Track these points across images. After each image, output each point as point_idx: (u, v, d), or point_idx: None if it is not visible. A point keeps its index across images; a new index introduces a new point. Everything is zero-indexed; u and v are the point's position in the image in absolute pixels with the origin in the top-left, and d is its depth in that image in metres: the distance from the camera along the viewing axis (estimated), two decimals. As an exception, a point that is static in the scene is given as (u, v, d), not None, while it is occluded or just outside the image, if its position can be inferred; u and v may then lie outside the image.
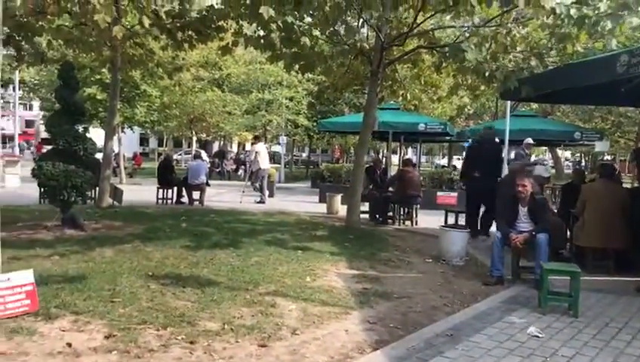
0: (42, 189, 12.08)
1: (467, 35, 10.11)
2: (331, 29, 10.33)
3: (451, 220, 10.85)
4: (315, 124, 26.99)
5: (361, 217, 11.62)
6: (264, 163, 16.20)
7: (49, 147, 9.78)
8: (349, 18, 10.59)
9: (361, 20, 10.54)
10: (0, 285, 4.83)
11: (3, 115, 41.08)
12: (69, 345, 4.28)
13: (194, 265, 7.08)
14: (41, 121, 41.69)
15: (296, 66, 10.62)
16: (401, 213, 12.21)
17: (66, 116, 9.26)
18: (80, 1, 10.20)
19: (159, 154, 33.71)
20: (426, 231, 10.99)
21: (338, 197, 13.77)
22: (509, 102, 16.60)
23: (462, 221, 10.56)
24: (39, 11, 9.79)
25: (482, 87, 11.11)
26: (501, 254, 6.97)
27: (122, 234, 9.19)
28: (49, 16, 10.53)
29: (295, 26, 8.75)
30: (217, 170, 28.77)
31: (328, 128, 20.72)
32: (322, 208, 14.19)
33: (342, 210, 13.11)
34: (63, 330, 4.60)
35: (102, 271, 6.48)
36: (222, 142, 43.17)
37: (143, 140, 59.75)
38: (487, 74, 9.10)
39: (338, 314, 5.34)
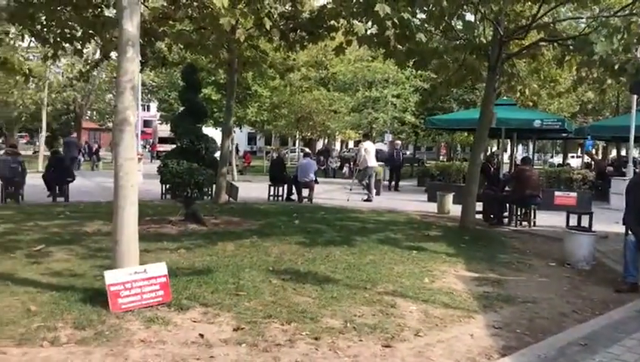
0: (166, 186, 12.84)
1: (594, 25, 9.48)
2: (445, 23, 10.08)
3: (573, 221, 10.23)
4: (422, 121, 26.57)
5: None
6: (372, 161, 16.16)
7: (167, 146, 10.34)
8: (466, 12, 10.27)
9: (479, 14, 10.19)
10: (137, 276, 5.15)
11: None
12: (202, 335, 4.48)
13: (311, 261, 7.19)
14: (159, 121, 44.30)
15: (410, 63, 10.47)
16: (518, 213, 11.69)
17: (190, 116, 9.75)
18: (200, 6, 10.71)
19: (267, 153, 34.67)
20: (546, 232, 10.46)
21: (450, 197, 13.44)
22: (635, 96, 15.43)
23: (585, 223, 9.93)
24: (162, 17, 10.33)
25: (609, 81, 10.37)
26: (635, 258, 6.48)
27: (240, 230, 9.53)
28: (170, 22, 11.13)
29: (411, 23, 8.62)
30: (322, 167, 29.12)
31: (437, 125, 20.30)
32: (431, 207, 13.94)
33: (453, 209, 12.79)
34: (195, 321, 4.82)
35: (225, 265, 6.74)
36: (325, 141, 43.64)
37: (251, 139, 61.83)
38: (616, 67, 8.49)
39: (461, 318, 5.19)
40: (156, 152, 42.13)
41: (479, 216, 11.91)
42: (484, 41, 10.33)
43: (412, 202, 15.88)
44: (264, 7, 10.67)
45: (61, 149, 21.57)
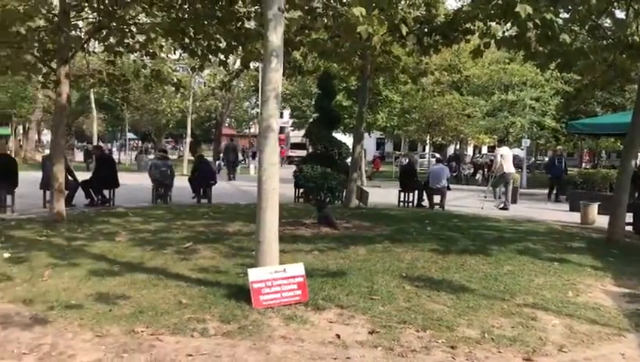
0: (299, 190, 13.29)
1: None
2: (591, 22, 9.45)
3: None
4: (563, 125, 25.06)
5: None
6: (509, 167, 15.53)
7: (298, 151, 10.68)
8: (615, 9, 9.56)
9: (631, 10, 9.44)
10: (277, 275, 5.39)
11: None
12: (338, 336, 4.59)
13: (445, 269, 7.07)
14: (291, 128, 45.85)
15: (552, 65, 9.95)
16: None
17: (324, 123, 10.02)
18: (335, 15, 10.98)
19: (396, 158, 34.58)
20: None
21: (594, 206, 12.55)
22: None
23: None
24: (301, 27, 10.70)
25: None
26: None
27: (372, 234, 9.61)
28: (306, 31, 11.51)
29: (554, 23, 8.19)
30: (454, 173, 28.48)
31: (580, 130, 19.03)
32: (573, 217, 13.10)
33: (599, 220, 11.93)
34: (331, 322, 4.94)
35: (358, 269, 6.84)
36: (457, 146, 42.61)
37: (380, 144, 61.98)
38: None
39: (610, 335, 4.84)
40: (287, 157, 43.69)
41: (629, 228, 11.00)
42: (638, 40, 9.53)
43: (552, 211, 15.05)
44: (398, 12, 10.72)
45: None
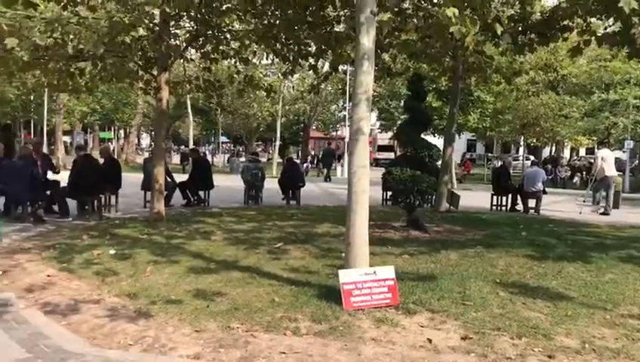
0: (387, 193, 13.24)
1: None
2: None
3: None
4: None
5: None
6: (610, 170, 14.69)
7: (385, 154, 10.63)
8: None
9: None
10: (367, 277, 5.40)
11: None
12: (429, 340, 4.53)
13: (541, 276, 6.80)
14: (378, 130, 45.74)
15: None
16: None
17: (414, 125, 9.94)
18: (426, 16, 10.85)
19: (488, 160, 33.65)
20: None
21: None
22: None
23: None
24: (393, 29, 10.66)
25: None
26: None
27: (463, 239, 9.41)
28: (395, 33, 11.45)
29: (666, 16, 7.69)
30: (550, 176, 27.30)
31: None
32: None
33: None
34: (422, 326, 4.89)
35: (450, 274, 6.71)
36: (553, 148, 40.80)
37: (470, 146, 60.45)
38: None
39: None
40: (374, 160, 43.60)
41: None
42: None
43: (659, 217, 14.08)
44: (491, 11, 10.42)
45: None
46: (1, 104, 33.04)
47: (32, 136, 42.64)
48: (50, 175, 11.96)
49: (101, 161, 12.71)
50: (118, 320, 4.95)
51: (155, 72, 10.93)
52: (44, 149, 21.24)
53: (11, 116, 39.77)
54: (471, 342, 4.50)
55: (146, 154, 36.12)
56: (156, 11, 10.35)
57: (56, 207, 11.25)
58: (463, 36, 5.76)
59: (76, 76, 11.12)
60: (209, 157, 34.34)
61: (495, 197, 14.75)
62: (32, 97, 32.83)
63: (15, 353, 4.20)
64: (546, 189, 15.35)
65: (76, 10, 9.39)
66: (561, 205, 16.63)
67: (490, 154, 37.88)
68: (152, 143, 41.76)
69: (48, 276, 6.46)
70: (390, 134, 41.88)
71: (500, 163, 20.76)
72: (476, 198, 16.84)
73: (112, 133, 52.76)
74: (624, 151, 25.81)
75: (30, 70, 11.50)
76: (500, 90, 23.53)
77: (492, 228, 10.69)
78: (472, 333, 4.68)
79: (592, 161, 18.50)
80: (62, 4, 9.21)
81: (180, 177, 15.09)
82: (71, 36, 9.30)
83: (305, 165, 35.71)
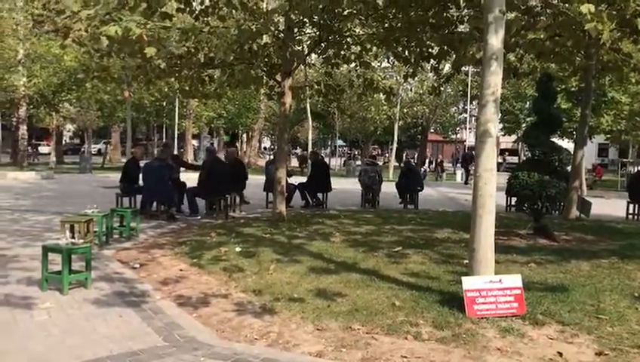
0: (511, 198, 12.70)
1: None
2: None
3: None
4: None
5: None
6: None
7: (507, 157, 10.15)
8: None
9: None
10: (492, 285, 5.22)
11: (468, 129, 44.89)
12: (560, 354, 4.29)
13: (688, 292, 6.19)
14: (501, 133, 44.05)
15: None
16: None
17: (543, 127, 9.45)
18: (555, 13, 10.30)
19: (622, 166, 31.20)
20: None
21: None
22: None
23: None
24: (522, 28, 10.24)
25: None
26: None
27: (596, 249, 8.80)
28: (523, 32, 10.96)
29: None
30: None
31: None
32: None
33: None
34: (551, 338, 4.64)
35: (581, 285, 6.31)
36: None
37: (602, 150, 56.44)
38: None
39: None
40: (497, 163, 42.03)
41: None
42: None
43: None
44: (630, 5, 9.68)
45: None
46: (139, 110, 35.85)
47: (163, 139, 45.87)
48: (183, 176, 12.82)
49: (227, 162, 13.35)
50: (244, 315, 5.17)
51: (279, 78, 11.32)
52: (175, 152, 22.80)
53: (146, 121, 43.08)
54: (607, 359, 4.21)
55: (267, 157, 37.46)
56: (281, 19, 10.73)
57: (185, 206, 11.99)
58: (599, 33, 5.39)
59: (206, 82, 11.78)
60: (326, 161, 34.92)
61: (632, 206, 13.64)
62: (164, 103, 35.27)
63: (153, 340, 4.52)
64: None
65: (207, 20, 9.97)
66: None
67: (624, 160, 35.12)
68: (274, 146, 43.30)
69: (181, 270, 6.90)
70: (514, 137, 40.23)
71: (637, 169, 19.19)
72: (609, 206, 15.73)
73: (236, 136, 55.34)
74: None
75: (166, 78, 12.36)
76: (638, 91, 21.74)
77: (629, 239, 9.90)
78: (608, 349, 4.36)
79: None
80: (194, 15, 9.83)
81: (299, 180, 15.47)
82: (203, 45, 9.87)
83: (423, 168, 35.24)
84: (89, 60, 17.52)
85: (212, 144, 49.93)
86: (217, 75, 12.14)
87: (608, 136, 27.93)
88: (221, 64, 10.77)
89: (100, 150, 45.35)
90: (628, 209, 13.70)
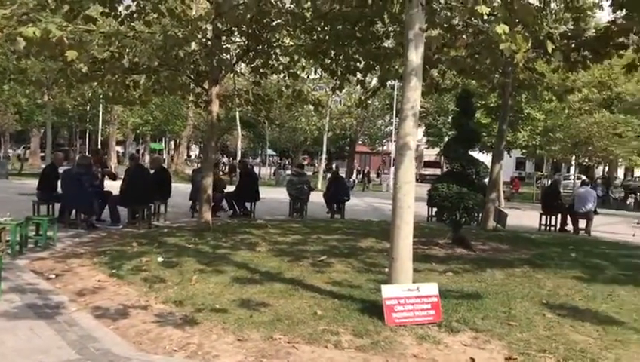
0: (432, 209, 13.10)
1: None
2: None
3: None
4: None
5: None
6: (667, 192, 14.17)
7: (431, 170, 10.52)
8: None
9: None
10: (410, 294, 5.38)
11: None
12: (473, 360, 4.48)
13: (590, 298, 6.61)
14: (425, 146, 45.42)
15: None
16: None
17: (462, 141, 9.85)
18: (476, 32, 10.78)
19: (537, 179, 32.87)
20: None
21: None
22: None
23: None
24: (442, 45, 10.63)
25: None
26: None
27: (510, 258, 9.23)
28: (445, 49, 11.39)
29: None
30: (601, 197, 26.48)
31: None
32: None
33: None
34: (465, 345, 4.83)
35: (495, 293, 6.60)
36: (606, 168, 39.57)
37: (519, 164, 59.22)
38: None
39: None
40: (419, 176, 43.26)
41: None
42: None
43: None
44: (543, 28, 10.29)
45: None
46: (60, 114, 34.44)
47: (86, 146, 44.28)
48: (107, 184, 12.40)
49: (152, 171, 13.05)
50: (164, 326, 5.08)
51: (206, 86, 11.20)
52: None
53: (68, 126, 41.44)
54: (516, 364, 4.42)
55: (195, 165, 36.88)
56: (209, 26, 10.64)
57: (107, 215, 11.61)
58: (514, 53, 5.69)
59: (131, 88, 11.50)
60: (255, 170, 34.80)
61: (544, 217, 14.42)
62: (87, 108, 34.07)
63: (66, 354, 4.36)
64: (598, 210, 14.90)
65: (132, 25, 9.76)
66: (613, 227, 16.12)
67: (539, 173, 37.01)
68: (202, 155, 42.61)
69: (99, 281, 6.69)
70: (437, 150, 41.55)
71: (549, 182, 20.29)
72: (524, 217, 16.52)
73: (163, 144, 54.16)
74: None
75: (88, 82, 11.97)
76: (552, 108, 23.06)
77: (540, 248, 10.46)
78: (517, 354, 4.60)
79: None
80: (119, 19, 9.60)
81: (228, 189, 15.33)
82: (127, 50, 9.64)
83: (351, 179, 35.72)
84: (6, 62, 16.97)
85: (138, 151, 48.65)
86: (143, 81, 11.88)
87: (524, 150, 29.33)
88: (146, 70, 10.53)
89: (19, 155, 43.21)
90: (541, 220, 14.44)
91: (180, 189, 15.18)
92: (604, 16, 15.33)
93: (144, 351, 4.56)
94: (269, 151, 52.69)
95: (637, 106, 27.53)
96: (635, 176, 42.93)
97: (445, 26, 10.95)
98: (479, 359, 4.49)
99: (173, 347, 4.62)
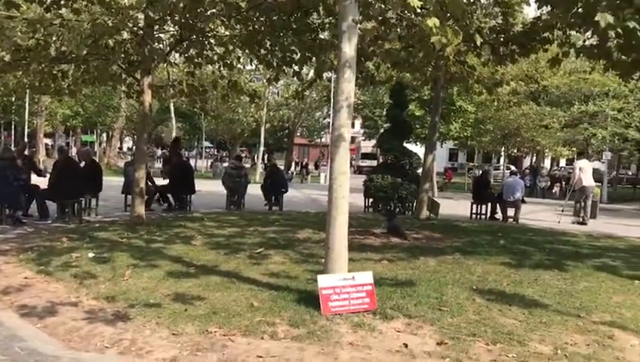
0: (369, 199, 13.31)
1: None
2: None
3: None
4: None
5: None
6: (588, 180, 14.93)
7: (368, 162, 10.70)
8: None
9: None
10: (346, 283, 5.45)
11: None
12: (405, 345, 4.59)
13: (517, 283, 6.90)
14: (362, 138, 45.97)
15: (636, 75, 9.53)
16: None
17: (395, 133, 10.04)
18: (409, 25, 10.97)
19: (469, 170, 33.95)
20: None
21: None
22: None
23: None
24: (375, 38, 10.76)
25: None
26: None
27: (442, 246, 9.51)
28: (379, 42, 11.55)
29: (638, 32, 7.86)
30: (529, 186, 27.63)
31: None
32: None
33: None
34: (398, 331, 4.95)
35: (428, 280, 6.78)
36: (534, 158, 41.31)
37: (452, 155, 61.02)
38: None
39: (696, 360, 4.58)
40: (357, 167, 43.86)
41: None
42: None
43: (634, 228, 14.32)
44: (473, 22, 10.58)
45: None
46: (-19, 104, 32.73)
47: (12, 138, 42.24)
48: (34, 178, 11.88)
49: (82, 163, 12.60)
50: (95, 323, 4.94)
51: (138, 76, 10.90)
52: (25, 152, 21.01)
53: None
54: (446, 347, 4.56)
55: (128, 158, 35.92)
56: (140, 15, 10.35)
57: (34, 210, 11.14)
58: (444, 46, 5.83)
59: (59, 78, 11.07)
60: (192, 162, 34.22)
61: (475, 206, 14.90)
62: (13, 99, 32.48)
63: (-11, 355, 4.17)
64: (526, 199, 15.54)
65: (59, 13, 9.36)
66: (540, 214, 16.86)
67: (471, 164, 38.23)
68: (134, 147, 41.51)
69: (25, 278, 6.42)
70: (374, 142, 42.19)
71: (480, 172, 20.99)
72: (457, 207, 17.01)
73: (95, 136, 52.38)
74: (603, 162, 26.24)
75: (11, 71, 11.44)
76: (482, 101, 23.82)
77: (471, 236, 10.82)
78: (448, 339, 4.74)
79: (571, 171, 18.75)
80: (45, 5, 9.19)
81: (162, 181, 15.01)
82: (54, 38, 9.25)
83: (289, 171, 35.73)
84: None
85: (68, 144, 46.84)
86: (72, 71, 11.44)
87: (456, 142, 30.19)
88: (75, 59, 10.16)
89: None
90: (472, 209, 14.93)
91: (113, 183, 14.72)
92: (531, 11, 15.97)
93: (74, 348, 4.43)
94: (206, 143, 51.93)
95: (562, 99, 28.94)
96: (560, 165, 45.06)
97: (379, 18, 11.11)
98: (412, 344, 4.61)
99: (105, 343, 4.51)
